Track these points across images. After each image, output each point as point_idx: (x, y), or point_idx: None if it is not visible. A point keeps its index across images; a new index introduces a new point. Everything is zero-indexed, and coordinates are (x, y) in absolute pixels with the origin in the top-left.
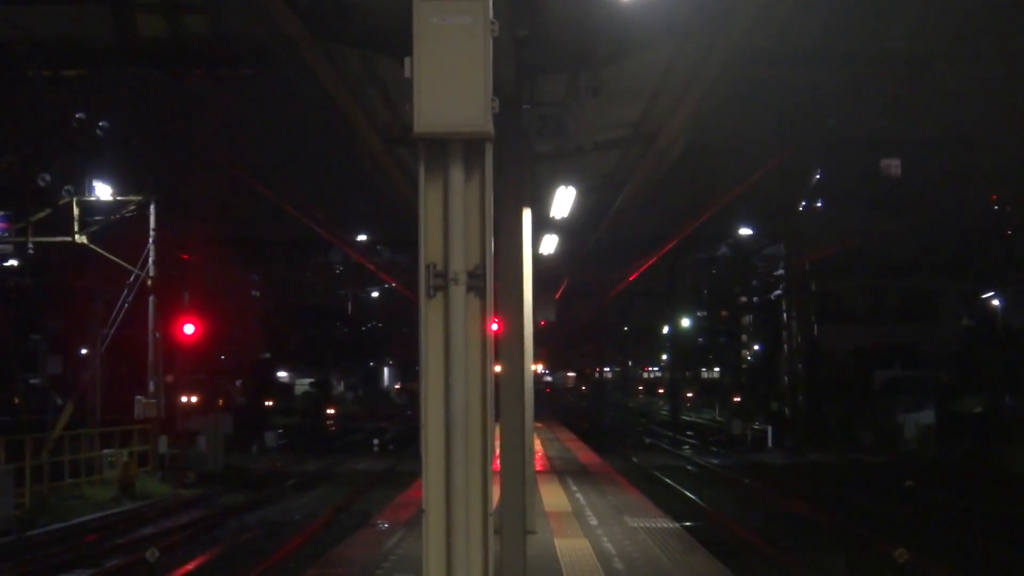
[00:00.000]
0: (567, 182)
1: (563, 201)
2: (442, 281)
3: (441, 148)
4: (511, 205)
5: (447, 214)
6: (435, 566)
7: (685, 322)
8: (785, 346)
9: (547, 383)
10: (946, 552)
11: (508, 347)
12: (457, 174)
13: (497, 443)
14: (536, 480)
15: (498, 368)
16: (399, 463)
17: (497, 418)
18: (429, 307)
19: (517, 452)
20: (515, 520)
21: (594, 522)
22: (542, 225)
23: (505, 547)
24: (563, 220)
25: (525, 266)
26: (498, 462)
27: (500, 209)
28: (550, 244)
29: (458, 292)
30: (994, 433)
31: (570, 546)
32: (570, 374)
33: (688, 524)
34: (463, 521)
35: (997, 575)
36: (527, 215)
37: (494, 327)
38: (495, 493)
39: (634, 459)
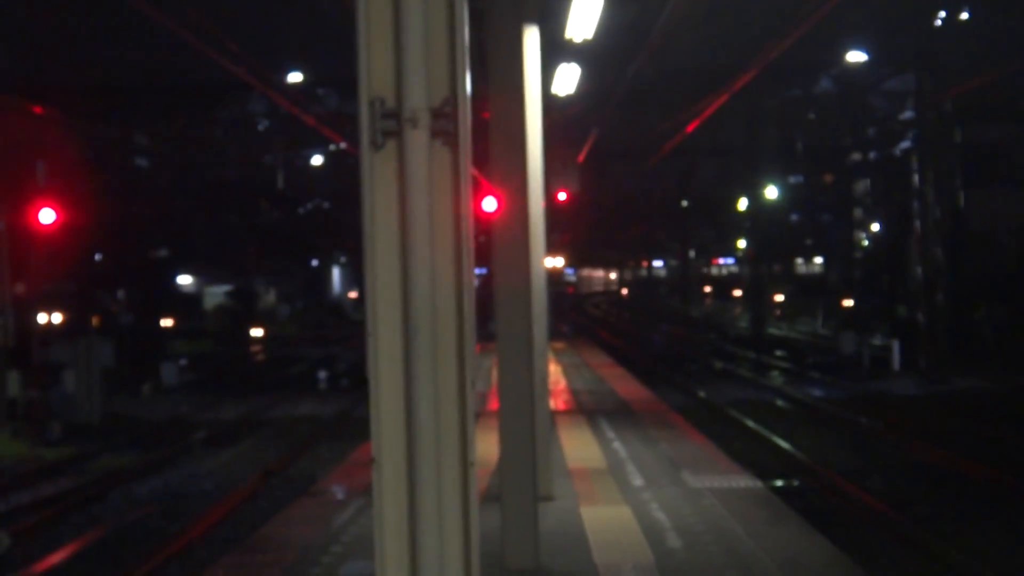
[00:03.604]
0: None
1: (585, 13)
2: (394, 124)
3: None
4: (507, 20)
5: (399, 23)
6: (392, 542)
7: (771, 192)
8: (917, 223)
9: (570, 283)
10: None
11: (507, 233)
12: None
13: (494, 372)
14: (555, 424)
15: (493, 264)
16: (357, 405)
17: (493, 336)
18: (376, 161)
19: (523, 383)
20: (522, 481)
21: (639, 482)
22: (556, 50)
23: (508, 519)
24: (587, 43)
25: (530, 111)
26: (495, 398)
27: (492, 27)
28: (569, 78)
29: (418, 139)
30: None
31: (604, 516)
32: (603, 273)
33: (778, 483)
34: (432, 476)
35: None
36: (532, 35)
37: (490, 204)
38: (494, 443)
39: (699, 392)
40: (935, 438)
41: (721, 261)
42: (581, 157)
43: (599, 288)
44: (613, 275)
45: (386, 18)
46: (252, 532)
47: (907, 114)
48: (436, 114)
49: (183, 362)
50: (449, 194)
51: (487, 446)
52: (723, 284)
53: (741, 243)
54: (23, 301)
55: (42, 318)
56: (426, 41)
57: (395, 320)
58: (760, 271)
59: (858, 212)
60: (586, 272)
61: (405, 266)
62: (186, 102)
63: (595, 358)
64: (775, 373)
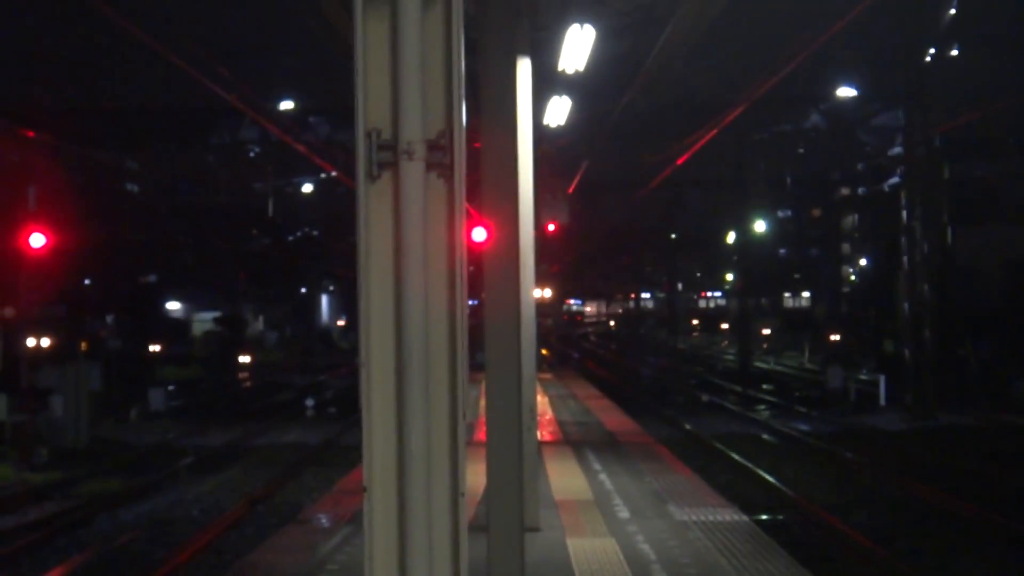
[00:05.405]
0: (583, 18)
1: (578, 46)
2: (390, 155)
3: None
4: (499, 52)
5: (397, 57)
6: (382, 571)
7: (760, 225)
8: (905, 259)
9: (579, 313)
10: None
11: (497, 263)
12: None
13: (482, 402)
14: (541, 455)
15: (484, 294)
16: (343, 433)
17: (481, 366)
18: (371, 192)
19: (511, 415)
20: (508, 512)
21: (625, 514)
22: (548, 83)
23: (494, 549)
24: (579, 75)
25: (522, 143)
26: (483, 429)
27: (484, 59)
28: (560, 110)
29: (414, 170)
30: None
31: (590, 548)
32: (589, 306)
33: (763, 517)
34: (422, 505)
35: None
36: (524, 67)
37: (479, 234)
38: (480, 473)
39: (685, 425)
40: (920, 473)
41: (709, 294)
42: (571, 188)
43: (589, 320)
44: (589, 308)
45: (383, 50)
46: (238, 559)
47: (896, 150)
48: (432, 146)
49: (171, 388)
50: (444, 226)
51: (474, 476)
52: (711, 317)
53: (729, 276)
54: (12, 325)
55: (31, 342)
56: (423, 74)
57: (388, 350)
58: (747, 304)
59: (846, 247)
60: (576, 304)
61: (399, 297)
62: (178, 128)
63: (582, 389)
64: (761, 407)
